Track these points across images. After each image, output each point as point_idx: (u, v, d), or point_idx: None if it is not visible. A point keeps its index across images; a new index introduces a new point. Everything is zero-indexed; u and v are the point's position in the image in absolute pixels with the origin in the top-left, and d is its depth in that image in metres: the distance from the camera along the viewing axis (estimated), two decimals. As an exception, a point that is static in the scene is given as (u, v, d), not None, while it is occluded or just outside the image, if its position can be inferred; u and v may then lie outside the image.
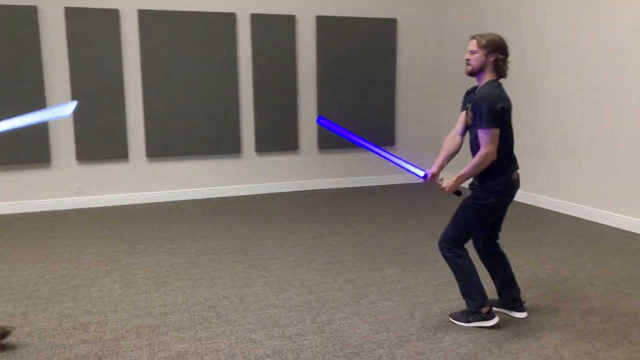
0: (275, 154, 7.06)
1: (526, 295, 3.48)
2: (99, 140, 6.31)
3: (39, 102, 5.92)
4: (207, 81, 6.58)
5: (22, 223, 5.58)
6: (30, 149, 6.06)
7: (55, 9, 5.92)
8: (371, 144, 3.31)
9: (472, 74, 3.03)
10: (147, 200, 6.55)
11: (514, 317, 3.27)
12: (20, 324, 3.19)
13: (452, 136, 3.20)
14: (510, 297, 3.28)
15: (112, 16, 6.08)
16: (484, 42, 2.95)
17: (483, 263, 3.33)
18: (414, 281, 3.87)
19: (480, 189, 3.04)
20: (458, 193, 3.11)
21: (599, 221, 5.41)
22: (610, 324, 3.18)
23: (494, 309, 3.24)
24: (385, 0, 7.27)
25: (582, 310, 3.37)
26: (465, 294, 3.17)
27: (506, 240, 3.90)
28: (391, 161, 3.30)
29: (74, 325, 3.19)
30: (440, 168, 3.16)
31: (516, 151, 3.10)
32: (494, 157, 2.92)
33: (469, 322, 3.15)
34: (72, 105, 2.89)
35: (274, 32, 6.80)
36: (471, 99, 3.04)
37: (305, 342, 2.97)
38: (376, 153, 3.31)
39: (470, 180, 3.09)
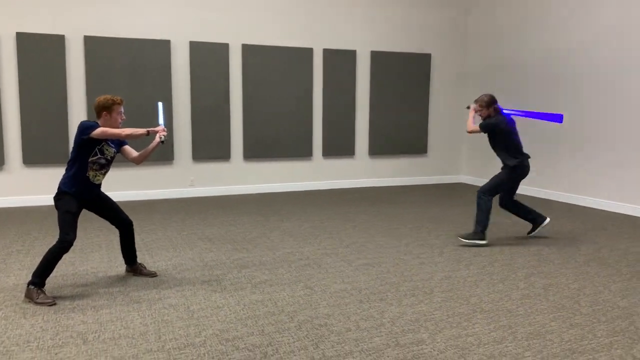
0: (337, 157, 8.96)
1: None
2: (209, 144, 8.08)
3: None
4: (289, 102, 8.46)
5: (165, 205, 7.30)
6: (159, 151, 7.77)
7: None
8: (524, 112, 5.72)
9: (484, 119, 5.45)
10: (243, 192, 8.33)
11: (546, 224, 5.64)
12: (251, 256, 4.98)
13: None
14: (534, 218, 5.65)
15: (224, 51, 7.96)
16: (483, 104, 5.33)
17: (509, 211, 5.68)
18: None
19: (506, 168, 5.40)
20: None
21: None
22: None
23: (534, 233, 5.69)
24: (421, 39, 9.33)
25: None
26: (478, 222, 5.33)
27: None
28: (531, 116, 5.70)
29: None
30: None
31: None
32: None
33: (471, 239, 5.33)
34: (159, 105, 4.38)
35: (339, 63, 8.76)
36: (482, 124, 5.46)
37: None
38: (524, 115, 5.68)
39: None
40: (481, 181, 9.41)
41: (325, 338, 3.20)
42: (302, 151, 8.70)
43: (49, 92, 7.19)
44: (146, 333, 3.24)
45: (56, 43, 7.17)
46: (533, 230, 5.71)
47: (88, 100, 7.32)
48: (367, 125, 9.10)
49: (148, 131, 3.87)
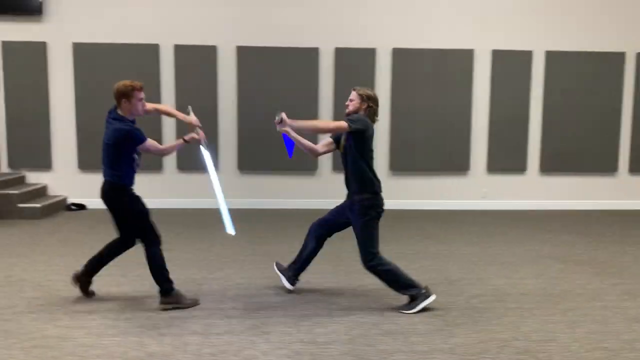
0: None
1: None
2: (504, 156, 7.80)
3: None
4: (593, 112, 7.78)
5: (460, 216, 7.26)
6: (453, 161, 7.77)
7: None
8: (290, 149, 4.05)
9: (348, 114, 3.84)
10: (538, 207, 7.86)
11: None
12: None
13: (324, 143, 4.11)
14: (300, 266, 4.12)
15: (527, 58, 7.69)
16: (364, 96, 3.80)
17: (310, 243, 4.06)
18: None
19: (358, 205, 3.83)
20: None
21: None
22: None
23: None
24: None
25: None
26: (400, 286, 3.81)
27: None
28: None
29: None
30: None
31: None
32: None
33: (417, 306, 3.75)
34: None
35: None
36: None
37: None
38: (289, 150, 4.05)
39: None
40: None
41: None
42: (605, 165, 7.92)
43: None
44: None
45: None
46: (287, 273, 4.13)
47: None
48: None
49: (184, 139, 3.86)
